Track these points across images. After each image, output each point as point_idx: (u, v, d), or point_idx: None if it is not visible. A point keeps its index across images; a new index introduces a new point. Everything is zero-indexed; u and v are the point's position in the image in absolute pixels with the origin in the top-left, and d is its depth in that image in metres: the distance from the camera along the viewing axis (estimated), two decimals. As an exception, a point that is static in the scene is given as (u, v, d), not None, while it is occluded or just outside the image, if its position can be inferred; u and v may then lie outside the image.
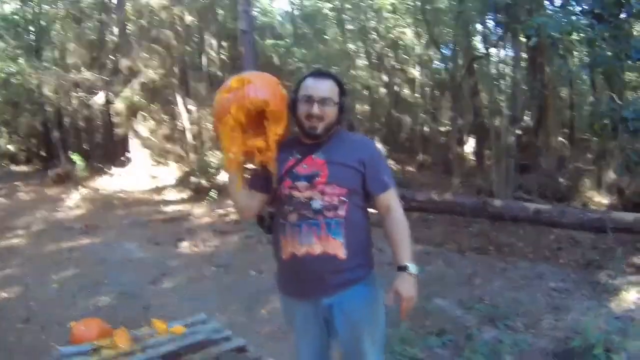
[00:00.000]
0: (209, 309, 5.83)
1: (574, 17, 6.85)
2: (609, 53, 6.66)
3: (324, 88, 2.68)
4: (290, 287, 2.86)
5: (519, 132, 11.96)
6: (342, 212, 2.64)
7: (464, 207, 9.04)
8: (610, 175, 11.66)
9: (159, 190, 16.40)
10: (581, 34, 6.92)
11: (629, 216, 7.64)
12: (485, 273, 6.88)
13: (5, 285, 7.18)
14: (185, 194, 15.11)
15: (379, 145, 21.67)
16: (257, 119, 2.69)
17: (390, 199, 2.76)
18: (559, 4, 8.33)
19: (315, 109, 2.63)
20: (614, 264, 6.71)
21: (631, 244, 7.83)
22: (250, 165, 2.85)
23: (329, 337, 2.86)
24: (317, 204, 2.62)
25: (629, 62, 6.81)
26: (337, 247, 2.64)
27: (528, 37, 9.39)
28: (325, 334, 2.84)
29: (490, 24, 13.60)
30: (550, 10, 9.03)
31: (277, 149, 2.71)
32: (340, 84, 2.75)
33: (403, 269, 2.61)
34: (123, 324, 5.35)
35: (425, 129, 23.02)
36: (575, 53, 11.42)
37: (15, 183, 19.39)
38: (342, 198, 2.64)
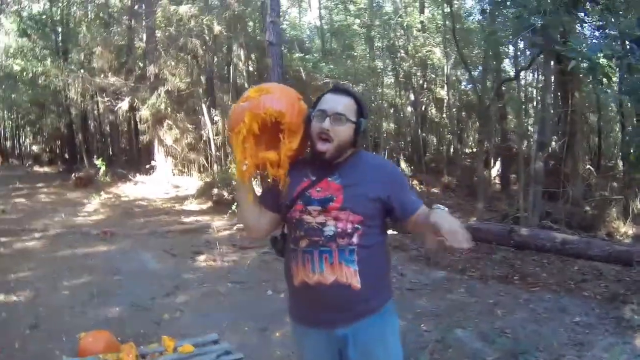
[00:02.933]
0: (221, 327, 5.70)
1: (609, 40, 6.68)
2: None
3: (340, 103, 2.49)
4: (302, 315, 2.70)
5: (546, 157, 11.74)
6: (356, 239, 2.46)
7: (489, 234, 8.83)
8: (638, 205, 11.39)
9: (180, 200, 16.36)
10: (620, 59, 6.70)
11: (655, 249, 7.41)
12: (508, 303, 6.67)
13: (16, 289, 7.08)
14: (206, 205, 15.04)
15: (403, 165, 21.68)
16: (272, 132, 2.53)
17: (422, 211, 2.53)
18: (596, 27, 8.14)
19: (326, 124, 2.44)
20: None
21: (657, 278, 7.59)
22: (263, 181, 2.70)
23: None
24: (330, 230, 2.44)
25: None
26: (351, 276, 2.46)
27: (559, 61, 9.21)
28: None
29: (522, 46, 13.45)
30: (583, 33, 8.87)
31: (291, 167, 2.55)
32: (359, 103, 2.55)
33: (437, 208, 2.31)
34: (132, 337, 5.25)
35: (451, 150, 22.84)
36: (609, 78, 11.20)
37: (37, 184, 19.47)
38: (357, 225, 2.46)
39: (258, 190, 2.81)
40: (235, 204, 12.29)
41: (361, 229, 2.46)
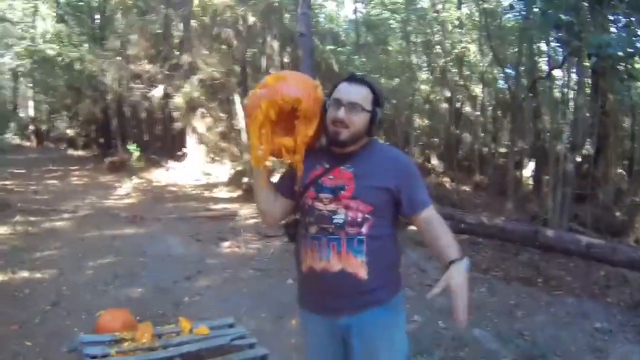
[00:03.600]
0: (238, 313, 5.76)
1: (634, 39, 6.53)
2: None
3: (355, 93, 2.50)
4: (308, 301, 2.71)
5: (578, 159, 11.57)
6: (365, 229, 2.46)
7: (515, 234, 8.71)
8: (668, 213, 11.18)
9: (210, 187, 16.52)
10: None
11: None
12: (528, 305, 6.60)
13: (41, 267, 7.21)
14: (235, 194, 15.15)
15: (435, 162, 21.55)
16: (288, 120, 2.55)
17: (430, 214, 2.53)
18: (622, 24, 7.95)
19: (341, 113, 2.45)
20: (663, 307, 6.37)
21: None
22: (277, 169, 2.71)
23: (344, 357, 2.67)
24: (340, 218, 2.45)
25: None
26: (358, 266, 2.46)
27: (589, 57, 9.07)
28: (341, 354, 2.66)
29: (554, 43, 13.25)
30: (614, 31, 8.69)
31: (306, 155, 2.56)
32: (375, 92, 2.55)
33: (454, 262, 2.32)
34: (151, 318, 5.32)
35: (485, 148, 22.61)
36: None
37: (71, 167, 19.80)
38: (367, 215, 2.46)
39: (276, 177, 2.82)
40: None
41: (371, 219, 2.47)
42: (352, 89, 2.51)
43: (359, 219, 2.45)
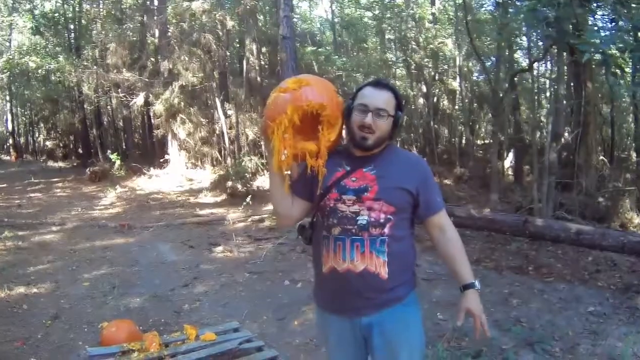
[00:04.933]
0: (240, 317, 5.79)
1: (621, 33, 6.65)
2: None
3: (381, 99, 2.56)
4: (328, 302, 2.75)
5: (559, 148, 11.69)
6: (387, 230, 2.53)
7: (504, 225, 8.80)
8: (651, 196, 11.31)
9: (194, 192, 16.47)
10: (632, 51, 6.68)
11: (670, 239, 7.37)
12: (522, 293, 6.68)
13: (36, 281, 7.19)
14: (220, 198, 15.13)
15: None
16: (309, 124, 2.59)
17: (442, 218, 2.67)
18: (609, 20, 8.10)
19: (369, 119, 2.51)
20: (653, 289, 6.49)
21: (672, 268, 7.59)
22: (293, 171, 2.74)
23: (367, 356, 2.74)
24: (363, 219, 2.51)
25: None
26: (380, 266, 2.53)
27: (572, 53, 9.19)
28: (363, 353, 2.72)
29: (535, 37, 13.39)
30: (596, 25, 8.82)
31: (327, 157, 2.61)
32: (398, 97, 2.62)
33: (469, 286, 2.58)
34: (153, 327, 5.35)
35: (463, 141, 22.78)
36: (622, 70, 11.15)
37: (52, 179, 19.65)
38: (389, 216, 2.53)
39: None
40: (249, 196, 12.38)
41: (393, 219, 2.53)
42: (378, 94, 2.57)
43: (381, 220, 2.51)
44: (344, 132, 2.69)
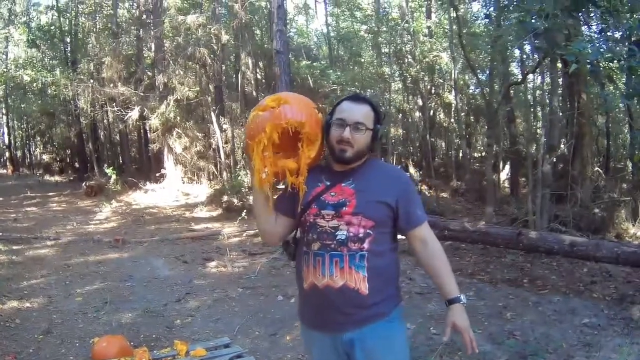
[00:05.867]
0: (232, 332, 5.77)
1: (612, 44, 6.66)
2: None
3: (359, 112, 2.56)
4: (311, 318, 2.73)
5: (554, 160, 11.70)
6: (367, 244, 2.51)
7: (499, 238, 8.79)
8: (647, 207, 11.30)
9: (190, 207, 16.47)
10: (621, 62, 6.70)
11: (665, 250, 7.36)
12: (517, 306, 6.67)
13: (29, 295, 7.19)
14: (215, 213, 15.13)
15: (412, 170, 21.68)
16: (288, 141, 2.59)
17: (424, 231, 2.64)
18: (598, 30, 8.11)
19: (346, 133, 2.51)
20: (648, 299, 6.48)
21: (667, 279, 7.58)
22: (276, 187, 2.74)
23: None
24: (342, 234, 2.49)
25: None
26: (360, 281, 2.50)
27: (565, 64, 9.21)
28: None
29: (528, 49, 13.44)
30: (589, 36, 8.83)
31: (307, 173, 2.61)
32: (376, 111, 2.63)
33: (454, 301, 2.55)
34: (145, 342, 5.32)
35: (460, 154, 22.82)
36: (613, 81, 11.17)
37: (48, 193, 19.64)
38: (369, 230, 2.51)
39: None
40: (245, 211, 12.36)
41: (372, 234, 2.51)
42: (356, 108, 2.57)
43: (360, 235, 2.49)
44: (325, 148, 2.67)
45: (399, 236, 2.69)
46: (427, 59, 21.11)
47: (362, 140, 2.54)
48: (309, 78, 19.87)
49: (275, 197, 2.75)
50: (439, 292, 2.63)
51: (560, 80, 11.94)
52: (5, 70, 23.68)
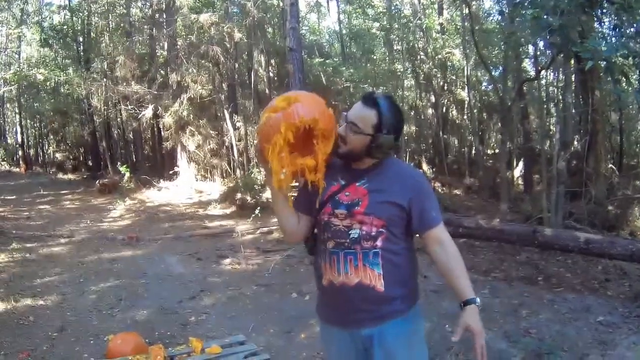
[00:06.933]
0: (246, 329, 5.76)
1: (625, 39, 6.60)
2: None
3: (358, 114, 2.53)
4: (328, 315, 2.75)
5: (568, 157, 11.62)
6: (380, 243, 2.51)
7: (513, 235, 8.74)
8: (661, 203, 11.22)
9: (203, 204, 16.49)
10: (635, 58, 6.63)
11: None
12: (532, 304, 6.63)
13: (43, 293, 7.19)
14: (229, 210, 15.14)
15: (425, 168, 21.63)
16: (301, 140, 2.58)
17: (440, 233, 2.61)
18: (612, 26, 8.04)
19: (341, 130, 2.54)
20: (663, 297, 6.42)
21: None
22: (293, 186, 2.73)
23: None
24: (355, 233, 2.51)
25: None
26: (375, 279, 2.51)
27: (579, 60, 9.14)
28: None
29: (541, 46, 13.34)
30: (602, 32, 8.76)
31: (325, 169, 2.61)
32: (381, 118, 2.51)
33: (469, 302, 2.51)
34: (160, 339, 5.32)
35: (473, 151, 22.72)
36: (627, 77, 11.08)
37: (61, 191, 19.72)
38: (381, 229, 2.51)
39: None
40: (258, 208, 12.34)
41: (385, 233, 2.51)
42: (359, 109, 2.55)
43: (373, 233, 2.50)
44: None
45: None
46: (439, 56, 21.06)
47: (355, 141, 2.52)
48: (322, 75, 19.83)
49: (293, 196, 2.75)
50: (454, 294, 2.60)
51: (573, 76, 11.84)
52: (18, 69, 23.76)
